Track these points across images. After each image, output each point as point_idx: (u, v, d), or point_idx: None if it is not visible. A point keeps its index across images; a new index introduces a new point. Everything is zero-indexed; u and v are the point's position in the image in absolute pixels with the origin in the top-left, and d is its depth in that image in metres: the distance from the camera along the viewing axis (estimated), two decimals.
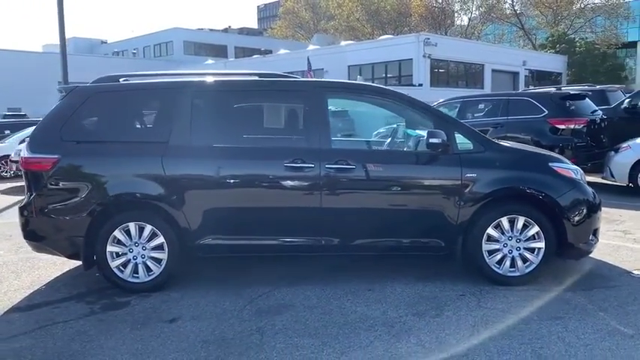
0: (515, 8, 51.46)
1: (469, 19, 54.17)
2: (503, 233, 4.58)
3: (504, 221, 4.55)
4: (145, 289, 4.62)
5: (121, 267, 4.62)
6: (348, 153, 4.68)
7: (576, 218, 4.55)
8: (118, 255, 4.61)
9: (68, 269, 5.38)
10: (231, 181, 4.59)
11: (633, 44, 50.67)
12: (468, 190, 4.51)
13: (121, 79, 4.98)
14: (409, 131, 5.40)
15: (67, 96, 4.78)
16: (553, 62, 40.23)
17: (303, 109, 4.72)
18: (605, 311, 4.05)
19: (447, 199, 4.53)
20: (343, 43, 37.86)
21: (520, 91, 16.07)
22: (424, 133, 4.91)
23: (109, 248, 4.58)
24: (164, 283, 4.67)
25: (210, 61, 45.97)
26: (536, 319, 3.92)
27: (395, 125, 5.83)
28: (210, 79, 4.81)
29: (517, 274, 4.59)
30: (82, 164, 4.62)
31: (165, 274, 4.64)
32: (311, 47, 38.22)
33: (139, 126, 4.86)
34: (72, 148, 4.62)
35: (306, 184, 4.54)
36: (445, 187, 4.56)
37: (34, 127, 5.04)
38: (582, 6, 48.31)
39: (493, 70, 33.77)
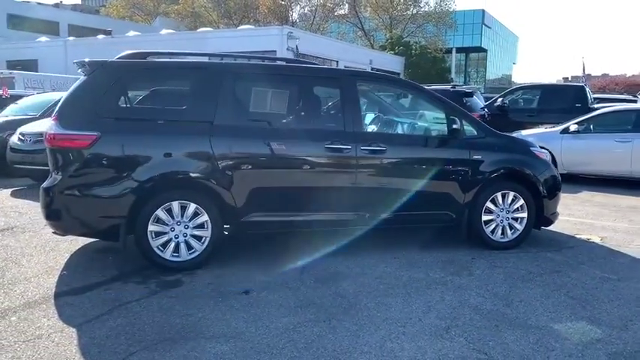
0: (357, 10, 54.86)
1: (313, 15, 56.43)
2: (496, 206, 5.47)
3: (499, 196, 5.44)
4: (186, 268, 4.64)
5: (160, 246, 4.60)
6: (379, 136, 5.20)
7: (550, 193, 5.62)
8: (158, 234, 4.58)
9: (77, 253, 5.10)
10: (276, 160, 4.82)
11: (450, 51, 57.51)
12: (474, 169, 5.31)
13: (148, 57, 4.88)
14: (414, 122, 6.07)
15: (96, 71, 4.57)
16: (393, 63, 43.83)
17: (340, 95, 5.10)
18: (585, 264, 5.13)
19: (458, 177, 5.28)
20: (202, 29, 37.07)
21: None
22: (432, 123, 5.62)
23: (150, 227, 4.53)
24: (204, 261, 4.74)
25: (43, 38, 41.45)
26: (543, 273, 4.84)
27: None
28: (255, 63, 4.97)
29: (506, 239, 5.53)
30: (125, 142, 4.49)
31: (208, 252, 4.72)
32: (164, 31, 36.71)
33: (182, 104, 4.79)
34: (111, 125, 4.46)
35: (343, 163, 4.95)
36: (457, 167, 5.30)
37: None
38: (415, 12, 53.27)
39: (345, 67, 35.82)
